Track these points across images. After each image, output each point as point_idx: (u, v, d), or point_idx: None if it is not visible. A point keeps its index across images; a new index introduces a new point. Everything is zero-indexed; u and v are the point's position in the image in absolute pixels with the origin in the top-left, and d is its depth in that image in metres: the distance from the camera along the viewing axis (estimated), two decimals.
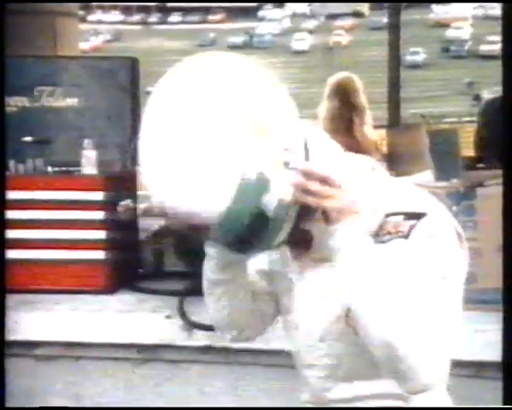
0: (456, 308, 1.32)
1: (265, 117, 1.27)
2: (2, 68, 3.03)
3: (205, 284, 1.52)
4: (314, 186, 1.27)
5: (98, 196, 3.38)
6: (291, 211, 1.32)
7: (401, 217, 1.36)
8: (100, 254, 3.37)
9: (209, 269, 1.48)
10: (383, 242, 1.35)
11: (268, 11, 48.32)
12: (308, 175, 1.28)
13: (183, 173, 1.25)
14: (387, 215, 1.38)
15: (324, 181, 1.28)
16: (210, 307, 1.53)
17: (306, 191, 1.28)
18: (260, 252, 1.41)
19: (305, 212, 1.33)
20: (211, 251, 1.46)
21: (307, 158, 1.32)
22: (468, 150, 4.32)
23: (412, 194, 1.42)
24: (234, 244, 1.33)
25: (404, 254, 1.32)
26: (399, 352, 1.24)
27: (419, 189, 1.43)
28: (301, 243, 1.39)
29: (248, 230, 1.29)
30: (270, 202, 1.28)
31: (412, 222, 1.35)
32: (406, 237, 1.34)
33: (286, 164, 1.28)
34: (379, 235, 1.36)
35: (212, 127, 1.25)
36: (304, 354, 1.47)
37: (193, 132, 1.25)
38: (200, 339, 3.03)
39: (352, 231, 1.30)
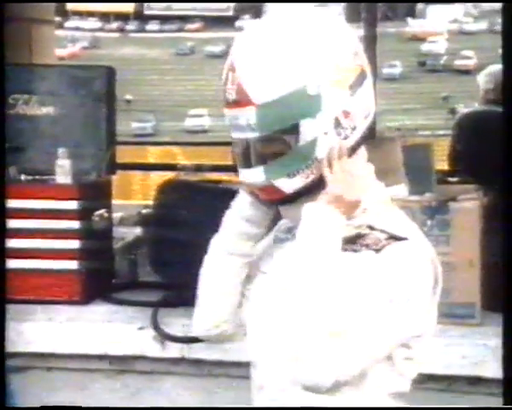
0: (385, 335, 1.33)
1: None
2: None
3: (212, 257, 1.53)
4: (336, 166, 1.37)
5: (72, 205, 3.36)
6: (312, 169, 1.38)
7: (383, 235, 1.37)
8: (74, 264, 3.35)
9: (235, 237, 1.50)
10: (355, 251, 1.37)
11: (246, 21, 48.51)
12: (340, 156, 1.37)
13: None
14: (371, 228, 1.39)
15: (346, 171, 1.37)
16: (203, 287, 1.54)
17: (331, 164, 1.37)
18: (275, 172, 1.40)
19: (313, 185, 1.39)
20: (248, 212, 1.48)
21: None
22: (443, 164, 4.36)
23: (402, 220, 1.44)
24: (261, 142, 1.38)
25: (368, 266, 1.33)
26: (305, 339, 1.27)
27: (409, 220, 1.45)
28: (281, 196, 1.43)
29: (276, 134, 1.36)
30: (308, 128, 1.36)
31: (389, 241, 1.36)
32: (377, 251, 1.35)
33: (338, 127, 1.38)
34: (356, 243, 1.38)
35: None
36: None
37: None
38: (173, 351, 3.02)
39: (325, 213, 1.34)
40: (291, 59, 1.36)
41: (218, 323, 1.55)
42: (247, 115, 1.37)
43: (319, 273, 1.31)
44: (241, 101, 1.37)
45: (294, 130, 1.36)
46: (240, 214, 1.50)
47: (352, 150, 1.41)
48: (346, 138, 1.39)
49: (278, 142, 1.37)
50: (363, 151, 1.45)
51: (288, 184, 1.39)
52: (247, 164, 1.42)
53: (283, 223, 1.53)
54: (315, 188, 1.40)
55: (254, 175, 1.41)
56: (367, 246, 1.36)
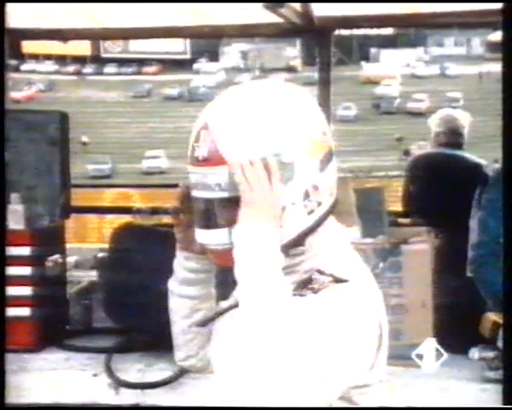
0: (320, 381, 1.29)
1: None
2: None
3: (170, 298, 1.54)
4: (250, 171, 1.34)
5: (25, 250, 3.32)
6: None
7: (329, 278, 1.37)
8: (26, 311, 3.29)
9: (181, 283, 1.52)
10: (302, 295, 1.35)
11: (203, 64, 48.77)
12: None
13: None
14: (320, 272, 1.38)
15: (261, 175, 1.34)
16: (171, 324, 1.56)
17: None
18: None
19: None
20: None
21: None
22: (396, 205, 4.41)
23: (354, 265, 1.42)
24: None
25: (306, 308, 1.33)
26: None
27: (359, 260, 1.44)
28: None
29: None
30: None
31: (331, 284, 1.36)
32: (316, 292, 1.35)
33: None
34: (307, 288, 1.37)
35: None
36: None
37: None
38: (128, 397, 2.98)
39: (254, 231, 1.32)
40: (268, 125, 1.37)
41: (184, 357, 1.57)
42: (219, 174, 1.36)
43: (260, 298, 1.30)
44: (213, 159, 1.36)
45: None
46: (179, 264, 1.52)
47: (316, 226, 1.40)
48: (311, 213, 1.38)
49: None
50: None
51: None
52: (209, 225, 1.39)
53: None
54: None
55: (217, 237, 1.38)
56: (312, 290, 1.36)
